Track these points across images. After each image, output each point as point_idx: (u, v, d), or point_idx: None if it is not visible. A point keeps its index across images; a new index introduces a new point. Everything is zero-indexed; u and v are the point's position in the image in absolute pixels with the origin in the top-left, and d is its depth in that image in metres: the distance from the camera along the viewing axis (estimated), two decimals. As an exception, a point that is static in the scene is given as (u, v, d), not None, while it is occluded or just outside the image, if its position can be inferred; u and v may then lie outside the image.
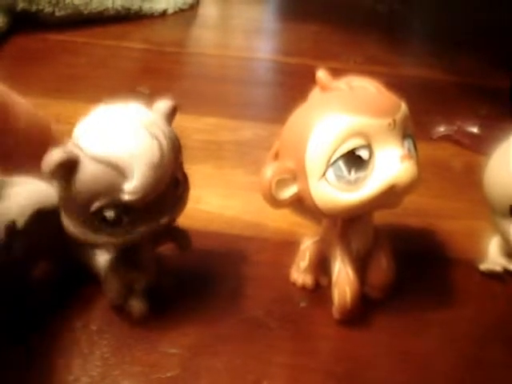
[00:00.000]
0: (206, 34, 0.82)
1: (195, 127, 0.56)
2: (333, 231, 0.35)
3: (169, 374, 0.32)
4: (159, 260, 0.36)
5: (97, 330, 0.34)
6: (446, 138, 0.55)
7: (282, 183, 0.31)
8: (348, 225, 0.34)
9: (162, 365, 0.32)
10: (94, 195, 0.29)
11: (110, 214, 0.29)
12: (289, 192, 0.32)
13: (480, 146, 0.52)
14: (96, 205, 0.29)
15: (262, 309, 0.36)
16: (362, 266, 0.35)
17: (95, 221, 0.30)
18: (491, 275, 0.39)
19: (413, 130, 0.33)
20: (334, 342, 0.35)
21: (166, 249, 0.36)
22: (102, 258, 0.36)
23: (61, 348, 0.33)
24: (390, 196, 0.31)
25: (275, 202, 0.32)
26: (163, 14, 0.82)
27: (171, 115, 0.32)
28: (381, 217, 0.36)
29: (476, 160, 0.49)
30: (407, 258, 0.37)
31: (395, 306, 0.37)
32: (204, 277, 0.39)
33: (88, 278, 0.37)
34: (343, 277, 0.34)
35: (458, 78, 0.68)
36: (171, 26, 0.81)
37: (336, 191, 0.30)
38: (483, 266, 0.39)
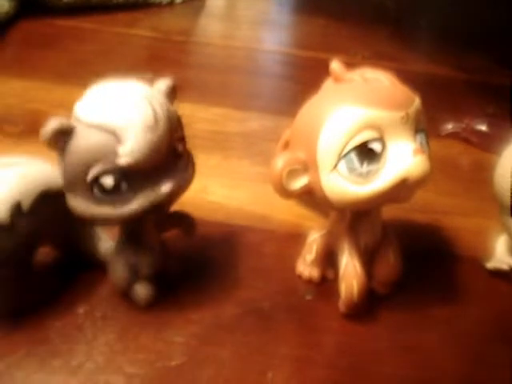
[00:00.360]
0: (213, 24, 0.81)
1: (202, 117, 0.56)
2: (341, 224, 0.34)
3: (174, 363, 0.32)
4: (164, 246, 0.35)
5: (101, 316, 0.34)
6: (453, 135, 0.55)
7: (292, 174, 0.31)
8: (357, 218, 0.34)
9: (167, 353, 0.32)
10: (91, 162, 0.29)
11: (108, 180, 0.29)
12: (299, 183, 0.31)
13: (488, 144, 0.52)
14: (93, 171, 0.29)
15: (268, 301, 0.36)
16: (368, 260, 0.35)
17: (95, 190, 0.30)
18: (498, 273, 0.39)
19: (425, 125, 0.32)
20: (339, 335, 0.35)
21: (171, 235, 0.36)
22: (107, 244, 0.36)
23: (64, 334, 0.33)
24: (402, 190, 0.30)
25: (285, 193, 0.32)
26: (171, 3, 0.82)
27: (171, 94, 0.32)
28: (388, 212, 0.35)
29: (483, 158, 0.49)
30: (413, 254, 0.37)
31: (400, 302, 0.37)
32: (209, 266, 0.38)
33: (92, 263, 0.37)
34: (350, 270, 0.33)
35: (465, 75, 0.68)
36: (179, 14, 0.81)
37: (347, 183, 0.30)
38: (490, 265, 0.39)
